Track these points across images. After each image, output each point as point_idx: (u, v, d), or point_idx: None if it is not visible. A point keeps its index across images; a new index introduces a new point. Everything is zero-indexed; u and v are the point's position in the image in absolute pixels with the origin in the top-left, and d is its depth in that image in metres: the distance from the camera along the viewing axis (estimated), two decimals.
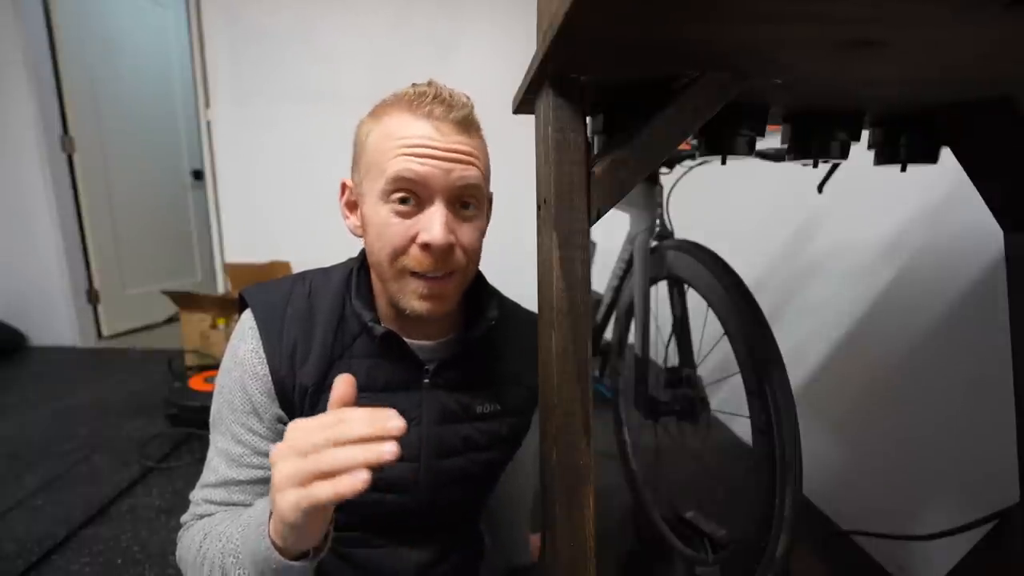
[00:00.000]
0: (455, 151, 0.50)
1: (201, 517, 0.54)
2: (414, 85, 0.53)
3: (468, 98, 0.53)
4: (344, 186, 0.58)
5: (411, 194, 0.50)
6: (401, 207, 0.50)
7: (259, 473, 0.55)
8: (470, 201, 0.53)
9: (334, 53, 2.28)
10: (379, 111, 0.54)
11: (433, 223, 0.49)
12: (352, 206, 0.58)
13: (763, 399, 0.66)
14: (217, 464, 0.55)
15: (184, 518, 0.56)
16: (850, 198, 1.13)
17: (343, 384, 0.40)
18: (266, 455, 0.55)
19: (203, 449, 0.58)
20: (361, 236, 0.57)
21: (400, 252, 0.51)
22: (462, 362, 0.60)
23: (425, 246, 0.50)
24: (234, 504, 0.54)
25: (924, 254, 0.98)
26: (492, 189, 0.59)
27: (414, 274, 0.52)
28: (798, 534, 0.63)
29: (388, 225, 0.51)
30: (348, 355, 0.57)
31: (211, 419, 0.58)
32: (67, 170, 2.40)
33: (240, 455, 0.54)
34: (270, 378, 0.55)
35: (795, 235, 1.38)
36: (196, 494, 0.56)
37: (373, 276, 0.59)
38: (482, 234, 0.56)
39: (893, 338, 1.04)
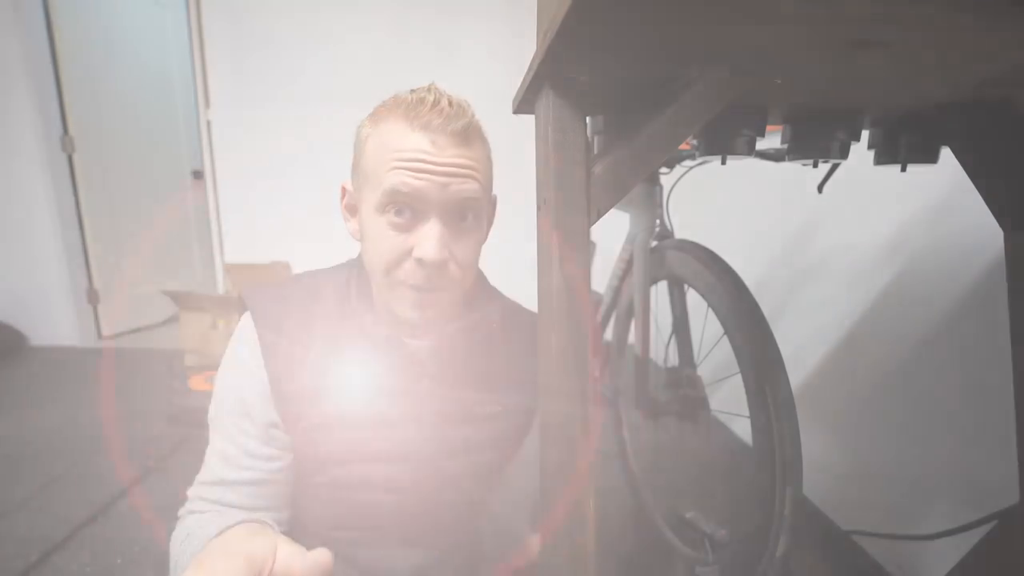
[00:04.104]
0: (452, 165, 0.49)
1: (193, 513, 0.55)
2: (414, 90, 0.52)
3: (468, 105, 0.52)
4: (344, 190, 0.58)
5: (407, 207, 0.50)
6: (396, 219, 0.50)
7: (249, 475, 0.55)
8: (468, 213, 0.52)
9: (334, 53, 2.28)
10: (378, 115, 0.53)
11: (428, 240, 0.49)
12: (352, 209, 0.58)
13: (763, 399, 0.66)
14: (213, 463, 0.56)
15: (180, 512, 0.57)
16: (850, 198, 1.13)
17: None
18: (256, 457, 0.55)
19: (203, 449, 0.59)
20: (360, 240, 0.57)
21: (394, 265, 0.51)
22: (462, 363, 0.60)
23: (419, 261, 0.50)
24: (224, 504, 0.54)
25: (924, 254, 0.98)
26: (494, 190, 0.58)
27: (407, 286, 0.52)
28: (798, 534, 0.63)
29: (383, 238, 0.51)
30: (347, 356, 0.57)
31: (209, 418, 0.58)
32: (67, 170, 2.40)
33: (233, 455, 0.55)
34: (267, 380, 0.55)
35: (795, 235, 1.38)
36: (192, 490, 0.57)
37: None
38: (479, 243, 0.56)
39: (893, 338, 1.04)
